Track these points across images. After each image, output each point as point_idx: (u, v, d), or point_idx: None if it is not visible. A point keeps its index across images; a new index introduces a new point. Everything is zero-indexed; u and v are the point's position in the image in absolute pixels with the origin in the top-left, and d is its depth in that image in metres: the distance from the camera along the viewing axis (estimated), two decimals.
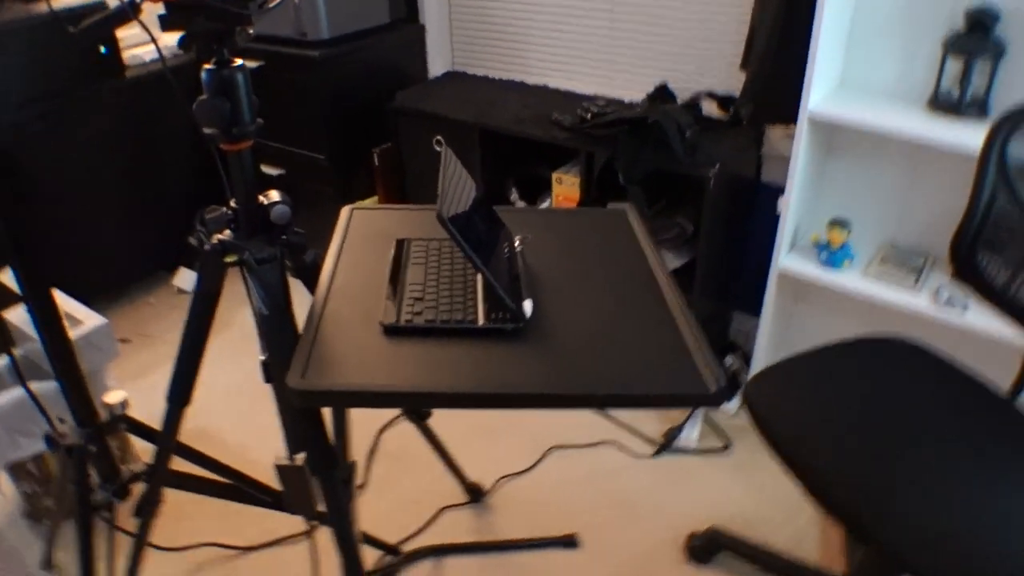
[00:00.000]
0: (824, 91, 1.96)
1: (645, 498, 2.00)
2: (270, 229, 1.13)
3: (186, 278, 2.86)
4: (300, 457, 1.36)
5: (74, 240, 2.55)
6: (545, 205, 2.45)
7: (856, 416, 1.41)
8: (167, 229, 2.83)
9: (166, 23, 0.95)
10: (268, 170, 2.74)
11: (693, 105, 2.22)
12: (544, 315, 1.13)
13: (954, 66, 1.82)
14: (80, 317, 1.90)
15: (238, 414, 2.28)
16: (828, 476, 1.29)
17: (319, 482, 1.19)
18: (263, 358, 1.28)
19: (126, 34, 2.63)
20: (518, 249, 1.29)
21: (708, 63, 2.33)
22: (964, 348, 2.10)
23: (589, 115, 2.20)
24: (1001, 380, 1.57)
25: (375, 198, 2.70)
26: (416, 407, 1.63)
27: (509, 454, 2.14)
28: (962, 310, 1.88)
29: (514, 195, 2.51)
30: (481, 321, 1.09)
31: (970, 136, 1.73)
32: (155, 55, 2.60)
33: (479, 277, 1.20)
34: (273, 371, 1.23)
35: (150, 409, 2.29)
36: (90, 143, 2.49)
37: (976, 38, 1.76)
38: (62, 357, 1.31)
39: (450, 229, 1.01)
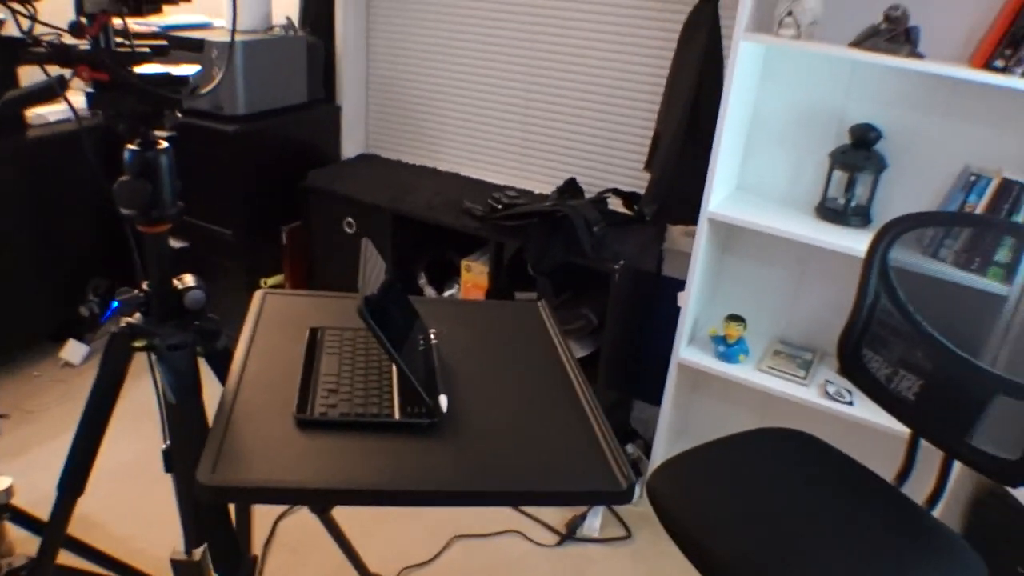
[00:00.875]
0: (723, 194, 2.09)
1: None
2: (183, 314, 1.11)
3: (74, 351, 2.72)
4: (198, 552, 1.30)
5: None
6: (453, 291, 2.48)
7: (754, 506, 1.46)
8: (57, 297, 2.70)
9: (94, 101, 0.94)
10: (172, 242, 2.66)
11: (600, 200, 2.32)
12: (459, 410, 1.13)
13: (840, 177, 1.98)
14: None
15: (126, 501, 2.15)
16: (728, 566, 1.32)
17: None
18: (165, 447, 1.24)
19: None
20: (433, 342, 1.30)
21: (614, 162, 2.45)
22: (852, 438, 2.22)
23: (500, 205, 2.26)
24: (888, 468, 1.66)
25: (281, 276, 2.66)
26: (330, 504, 1.59)
27: (411, 544, 2.09)
28: (848, 403, 1.99)
29: (423, 280, 2.53)
30: (397, 415, 1.08)
31: (854, 241, 1.87)
32: (61, 116, 2.53)
33: (394, 370, 1.20)
34: (176, 462, 1.19)
35: (28, 491, 2.14)
36: None
37: (860, 153, 1.93)
38: None
39: (371, 326, 1.02)
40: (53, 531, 1.26)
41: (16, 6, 0.91)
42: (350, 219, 2.48)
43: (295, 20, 2.67)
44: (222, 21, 2.65)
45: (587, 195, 2.41)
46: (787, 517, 1.44)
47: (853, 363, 1.68)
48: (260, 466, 0.97)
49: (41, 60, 0.92)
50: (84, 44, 0.93)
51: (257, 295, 1.42)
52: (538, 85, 2.49)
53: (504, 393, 1.19)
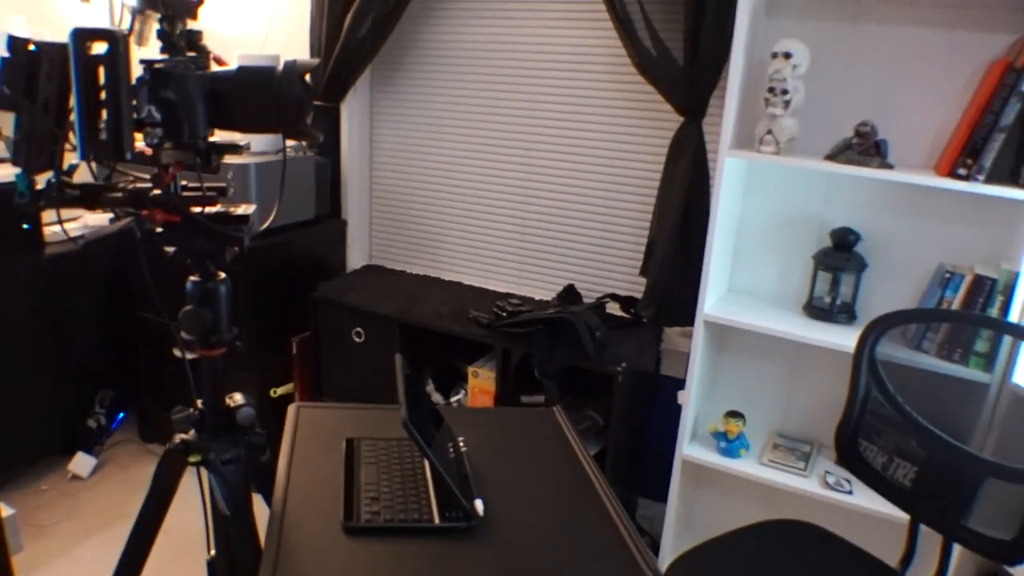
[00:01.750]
0: (716, 296, 2.21)
1: None
2: (234, 430, 1.19)
3: (82, 464, 2.75)
4: None
5: None
6: (459, 396, 2.56)
7: None
8: (66, 411, 2.75)
9: (164, 240, 1.05)
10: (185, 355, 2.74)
11: (599, 305, 2.44)
12: (493, 513, 1.21)
13: (824, 277, 2.12)
14: None
15: None
16: None
17: None
18: (210, 557, 1.29)
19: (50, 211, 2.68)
20: (463, 449, 1.38)
21: (610, 268, 2.59)
22: (853, 525, 2.28)
23: (505, 313, 2.37)
24: (890, 553, 1.73)
25: (291, 385, 2.74)
26: None
27: None
28: (848, 492, 2.07)
29: (430, 386, 2.61)
30: (437, 520, 1.16)
31: (841, 337, 1.99)
32: (78, 232, 2.64)
33: (429, 476, 1.28)
34: (222, 571, 1.24)
35: None
36: None
37: (842, 255, 2.07)
38: None
39: (416, 438, 1.10)
40: None
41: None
42: (359, 329, 2.58)
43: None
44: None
45: (586, 300, 2.53)
46: None
47: (850, 454, 1.77)
48: (315, 570, 1.03)
49: (118, 204, 1.04)
50: (155, 190, 1.05)
51: (291, 409, 1.50)
52: (535, 196, 2.66)
53: (532, 495, 1.27)
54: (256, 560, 1.16)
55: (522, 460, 1.39)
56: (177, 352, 2.73)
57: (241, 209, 1.10)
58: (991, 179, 1.78)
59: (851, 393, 1.73)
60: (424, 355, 2.64)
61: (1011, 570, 1.82)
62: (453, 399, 2.57)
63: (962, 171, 1.81)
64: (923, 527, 1.71)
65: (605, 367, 2.18)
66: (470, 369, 2.47)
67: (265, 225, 1.13)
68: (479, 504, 1.19)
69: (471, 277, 2.85)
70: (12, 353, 2.54)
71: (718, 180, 2.01)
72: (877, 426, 1.87)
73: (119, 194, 1.04)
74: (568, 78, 2.52)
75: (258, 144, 2.63)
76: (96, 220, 2.81)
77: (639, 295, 2.50)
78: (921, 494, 1.66)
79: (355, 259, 2.99)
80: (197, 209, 1.05)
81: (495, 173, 2.71)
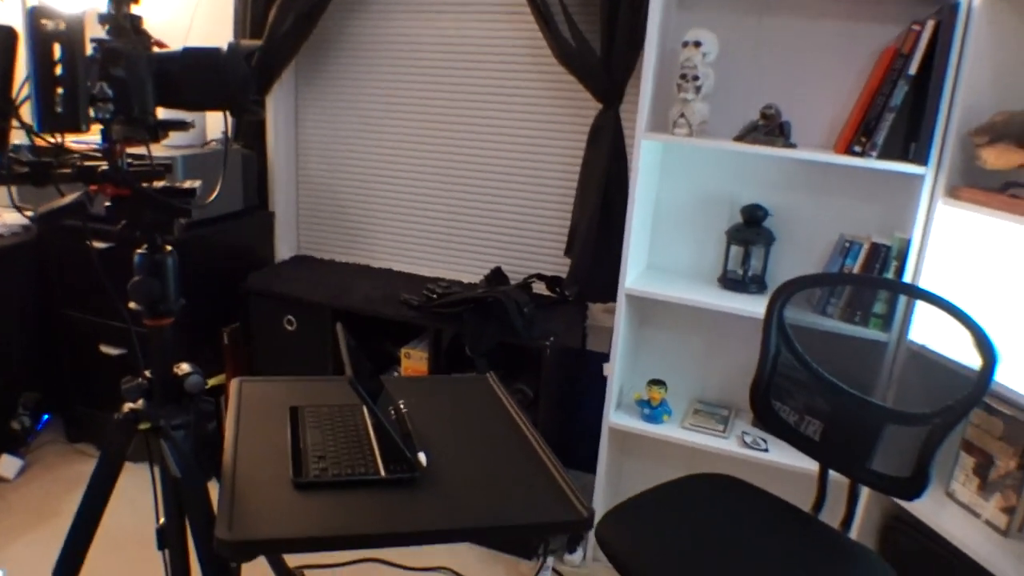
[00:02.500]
0: (636, 272, 2.33)
1: None
2: (182, 397, 1.23)
3: (8, 465, 2.69)
4: None
5: None
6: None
7: (695, 544, 1.64)
8: None
9: (114, 213, 1.09)
10: (108, 350, 2.71)
11: (526, 285, 2.53)
12: (435, 465, 1.29)
13: (737, 251, 2.27)
14: None
15: None
16: None
17: None
18: (159, 525, 1.33)
19: None
20: (404, 410, 1.45)
21: (535, 249, 2.68)
22: (769, 479, 2.44)
23: (435, 295, 2.44)
24: (803, 501, 1.87)
25: (223, 376, 2.74)
26: (335, 549, 1.65)
27: None
28: (764, 450, 2.21)
29: None
30: (383, 473, 1.23)
31: (753, 306, 2.13)
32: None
33: (371, 435, 1.34)
34: (169, 540, 1.28)
35: None
36: None
37: (752, 230, 2.22)
38: None
39: (360, 392, 1.17)
40: None
41: (48, 137, 1.05)
42: (290, 317, 2.61)
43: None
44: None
45: (513, 281, 2.62)
46: (726, 552, 1.62)
47: (765, 411, 1.90)
48: (269, 523, 1.09)
49: (69, 180, 1.07)
50: (103, 165, 1.09)
51: (234, 384, 1.54)
52: (461, 183, 2.73)
53: (471, 449, 1.35)
54: (209, 518, 1.20)
55: (460, 420, 1.47)
56: (105, 349, 2.68)
57: (188, 183, 1.14)
58: (883, 155, 1.94)
59: (762, 353, 1.87)
60: (357, 340, 2.68)
61: (910, 508, 1.99)
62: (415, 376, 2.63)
63: (857, 148, 1.97)
64: (832, 474, 1.86)
65: (534, 342, 2.27)
66: (402, 351, 2.53)
67: (211, 199, 1.17)
68: (422, 456, 1.26)
69: (401, 263, 2.91)
70: None
71: (635, 162, 2.13)
72: (789, 388, 2.03)
73: (68, 170, 1.07)
74: (491, 68, 2.60)
75: (182, 137, 2.63)
76: (13, 219, 2.76)
77: (563, 274, 2.61)
78: (829, 443, 1.81)
79: (284, 250, 3.01)
80: (146, 184, 1.09)
81: (421, 161, 2.78)
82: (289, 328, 2.62)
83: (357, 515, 1.13)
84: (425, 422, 1.45)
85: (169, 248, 1.18)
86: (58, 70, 0.92)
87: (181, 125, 1.11)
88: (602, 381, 2.37)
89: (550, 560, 2.36)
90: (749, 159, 2.28)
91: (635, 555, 1.60)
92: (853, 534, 2.08)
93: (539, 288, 2.62)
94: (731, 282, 2.29)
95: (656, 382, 2.34)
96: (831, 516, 2.13)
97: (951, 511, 1.95)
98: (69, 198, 1.08)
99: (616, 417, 2.35)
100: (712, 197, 2.36)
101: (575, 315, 2.52)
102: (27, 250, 2.71)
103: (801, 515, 1.79)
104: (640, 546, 1.62)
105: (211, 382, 2.70)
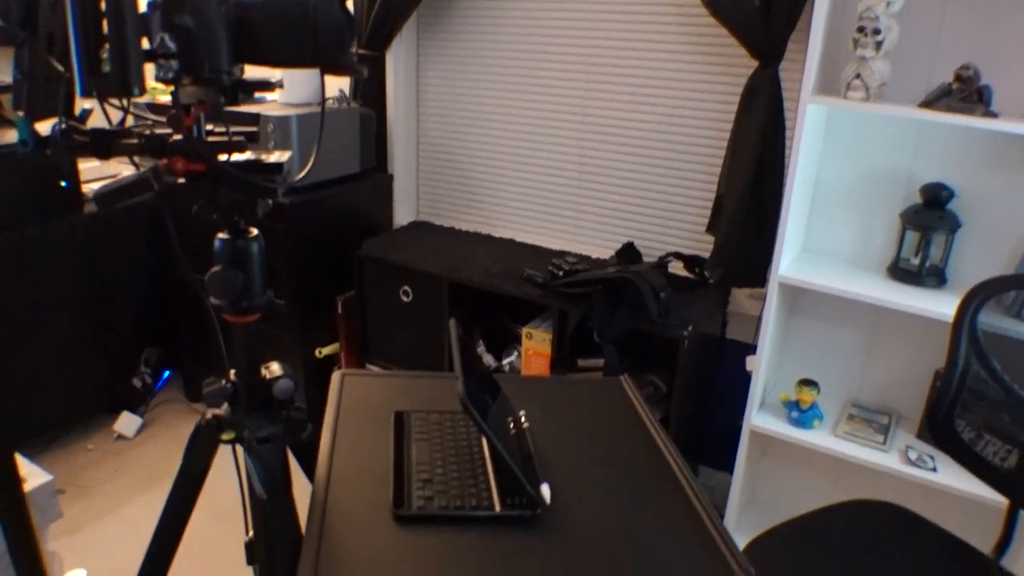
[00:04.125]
0: (790, 256, 2.04)
1: None
2: (271, 404, 1.07)
3: (128, 423, 2.71)
4: None
5: (10, 378, 2.40)
6: (512, 358, 2.44)
7: None
8: (111, 370, 2.70)
9: (187, 192, 0.93)
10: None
11: (662, 265, 2.28)
12: (558, 498, 1.08)
13: (913, 237, 1.93)
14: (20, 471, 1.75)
15: None
16: None
17: None
18: (248, 539, 1.19)
19: (87, 167, 2.60)
20: (524, 425, 1.25)
21: (672, 225, 2.42)
22: (933, 505, 2.12)
23: (561, 272, 2.23)
24: (974, 536, 1.57)
25: (336, 345, 2.64)
26: None
27: None
28: (932, 469, 1.90)
29: (481, 347, 2.49)
30: (498, 507, 1.04)
31: (930, 303, 1.81)
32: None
33: (487, 456, 1.15)
34: (259, 554, 1.14)
35: (89, 571, 2.10)
36: (38, 277, 2.40)
37: (933, 213, 1.88)
38: (17, 527, 1.19)
39: (476, 418, 0.98)
40: None
41: (113, 101, 0.90)
42: (406, 287, 2.46)
43: (347, 92, 2.70)
44: (274, 96, 2.68)
45: (646, 259, 2.37)
46: None
47: (944, 431, 1.60)
48: (362, 570, 0.92)
49: (134, 152, 0.91)
50: (175, 135, 0.92)
51: (335, 377, 1.39)
52: (593, 148, 2.48)
53: (603, 479, 1.14)
54: (296, 548, 1.05)
55: (590, 438, 1.26)
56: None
57: (274, 157, 0.97)
58: None
59: (948, 365, 1.56)
60: (474, 315, 2.51)
61: None
62: (505, 361, 2.45)
63: None
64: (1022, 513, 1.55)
65: (669, 331, 2.02)
66: (524, 330, 2.33)
67: (302, 175, 1.00)
68: (545, 489, 1.07)
69: (523, 234, 2.70)
70: (55, 314, 2.49)
71: (798, 129, 1.82)
72: (973, 402, 1.70)
73: (134, 140, 0.91)
74: (630, 19, 2.32)
75: (300, 94, 2.50)
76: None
77: (704, 254, 2.34)
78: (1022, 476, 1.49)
79: (402, 215, 2.86)
80: (223, 157, 0.92)
81: (549, 123, 2.54)
82: (405, 299, 2.48)
83: (464, 564, 0.94)
84: (550, 439, 1.25)
85: (254, 233, 1.01)
86: (105, 24, 0.75)
87: (266, 85, 0.93)
88: (743, 374, 2.10)
89: None
90: (933, 130, 1.93)
91: None
92: None
93: (676, 268, 2.35)
94: (903, 273, 1.96)
95: (807, 382, 2.05)
96: (1015, 561, 1.81)
97: None
98: (132, 175, 0.92)
99: (759, 418, 2.09)
100: (884, 173, 2.02)
101: (716, 300, 2.25)
102: (147, 208, 2.68)
103: (983, 561, 1.49)
104: None
105: (324, 351, 2.61)
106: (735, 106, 2.14)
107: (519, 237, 2.70)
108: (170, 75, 0.82)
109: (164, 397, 2.97)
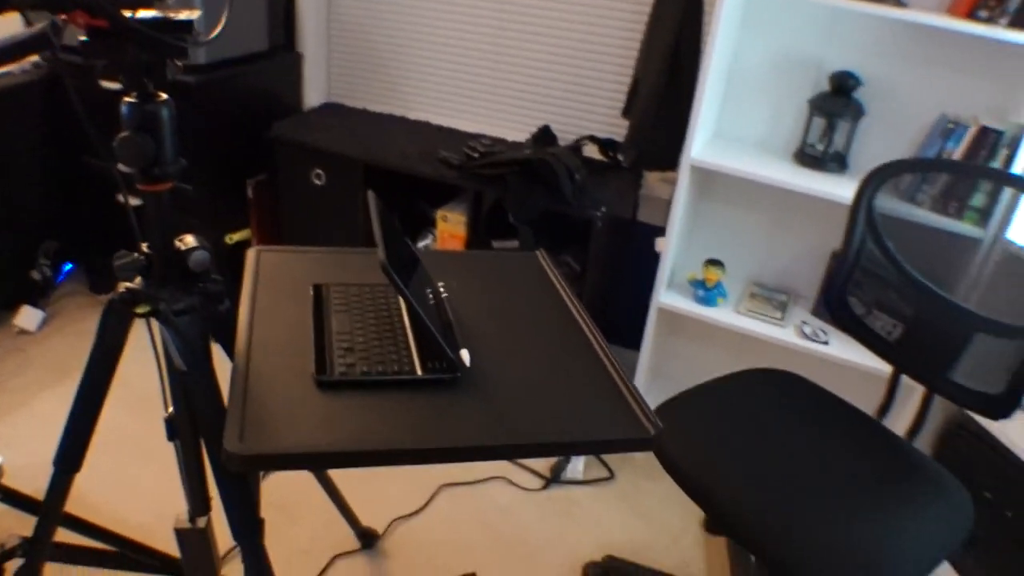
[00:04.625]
0: (702, 141, 2.08)
1: (538, 532, 2.02)
2: (186, 277, 1.06)
3: (29, 317, 2.61)
4: (202, 520, 1.28)
5: None
6: (427, 242, 2.45)
7: (750, 445, 1.49)
8: (8, 262, 2.57)
9: (90, 51, 0.88)
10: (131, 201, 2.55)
11: (576, 148, 2.29)
12: (477, 362, 1.12)
13: (819, 124, 2.00)
14: None
15: (111, 474, 2.08)
16: (728, 501, 1.35)
17: (241, 548, 1.12)
18: (167, 415, 1.20)
19: None
20: (444, 296, 1.27)
21: (588, 108, 2.42)
22: (825, 375, 2.28)
23: (477, 154, 2.22)
24: (861, 402, 1.72)
25: (248, 231, 2.58)
26: (362, 465, 1.57)
27: (399, 495, 2.09)
28: (824, 343, 2.04)
29: None
30: (419, 371, 1.07)
31: (832, 186, 1.90)
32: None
33: (407, 324, 1.18)
34: (181, 429, 1.15)
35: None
36: None
37: (840, 100, 1.94)
38: None
39: (397, 283, 0.99)
40: (50, 509, 1.21)
41: None
42: (319, 171, 2.41)
43: None
44: None
45: (562, 142, 2.38)
46: (782, 454, 1.48)
47: (838, 306, 1.71)
48: (287, 432, 0.94)
49: (29, 6, 0.85)
50: None
51: (251, 253, 1.37)
52: (510, 29, 2.43)
53: (520, 344, 1.18)
54: (220, 418, 1.06)
55: (507, 307, 1.30)
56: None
57: (183, 14, 0.92)
58: (1014, 24, 1.64)
59: (846, 244, 1.66)
60: (389, 199, 2.48)
61: (981, 420, 1.83)
62: (420, 244, 2.46)
63: (983, 13, 1.66)
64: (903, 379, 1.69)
65: (583, 212, 2.06)
66: (439, 213, 2.34)
67: (213, 35, 0.95)
68: (465, 354, 1.10)
69: (439, 116, 2.66)
70: None
71: (716, 13, 1.83)
72: (866, 280, 1.82)
73: None
74: None
75: None
76: None
77: (619, 137, 2.36)
78: (908, 346, 1.62)
79: (313, 96, 2.76)
80: (128, 13, 0.87)
81: (466, 2, 2.46)
82: (318, 183, 2.43)
83: (388, 424, 0.98)
84: (467, 310, 1.27)
85: (163, 97, 0.97)
86: None
87: None
88: (652, 256, 2.18)
89: None
90: (844, 18, 1.97)
91: (686, 457, 1.46)
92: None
93: (590, 151, 2.37)
94: (809, 158, 2.04)
95: (713, 262, 2.14)
96: (894, 422, 1.98)
97: (1020, 424, 1.78)
98: (30, 30, 0.86)
99: (667, 297, 2.18)
100: (797, 61, 2.06)
101: (628, 183, 2.29)
102: (38, 89, 2.49)
103: (867, 420, 1.64)
104: (693, 448, 1.49)
105: (235, 237, 2.55)
106: None
107: (434, 120, 2.66)
108: None
109: (67, 290, 2.86)
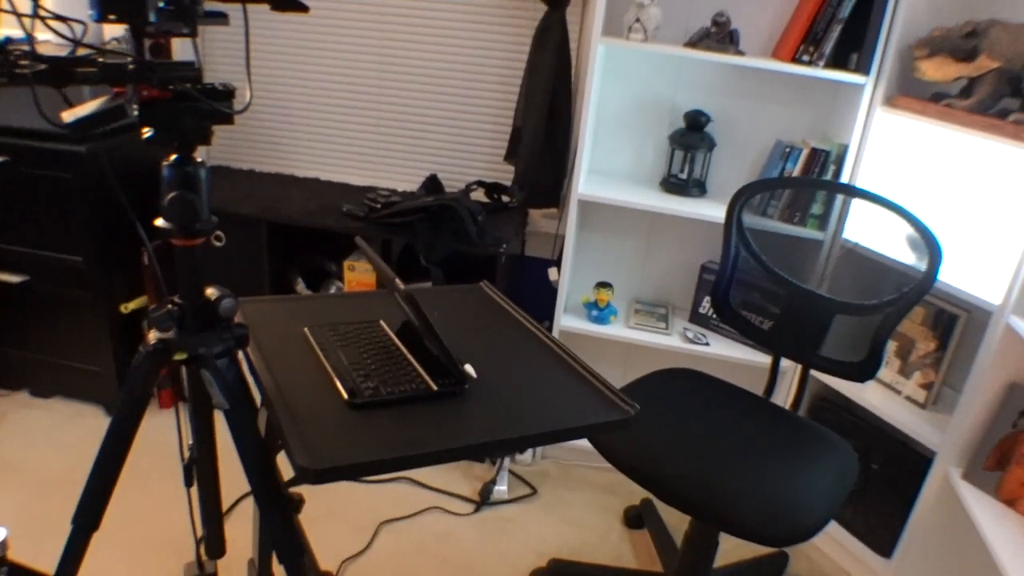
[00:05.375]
0: (581, 178, 2.36)
1: (480, 551, 2.16)
2: (215, 323, 1.15)
3: None
4: (212, 564, 1.34)
5: None
6: (333, 291, 2.55)
7: (673, 428, 1.74)
8: None
9: (146, 120, 0.98)
10: (6, 277, 2.45)
11: (466, 192, 2.50)
12: (478, 376, 1.29)
13: (679, 155, 2.33)
14: None
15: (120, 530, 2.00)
16: (666, 476, 1.58)
17: (287, 569, 1.20)
18: (187, 462, 1.26)
19: None
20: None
21: (471, 156, 2.64)
22: (708, 370, 2.59)
23: (379, 205, 2.37)
24: (747, 387, 2.02)
25: (143, 298, 2.56)
26: (411, 467, 1.61)
27: (343, 536, 2.16)
28: (706, 344, 2.35)
29: (300, 285, 2.56)
30: (433, 387, 1.22)
31: (696, 208, 2.22)
32: None
33: (402, 348, 1.32)
34: (201, 472, 1.22)
35: None
36: None
37: (695, 135, 2.28)
38: None
39: (418, 308, 1.14)
40: (66, 569, 1.23)
41: (58, 26, 0.92)
42: (218, 232, 2.44)
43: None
44: None
45: (448, 188, 2.58)
46: (701, 434, 1.74)
47: (723, 308, 2.02)
48: (343, 447, 1.06)
49: (93, 80, 0.95)
50: (132, 64, 0.96)
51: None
52: (393, 86, 2.62)
53: (499, 356, 1.36)
54: (263, 451, 1.16)
55: (476, 330, 1.47)
56: (3, 277, 2.41)
57: (221, 85, 1.03)
58: (828, 64, 2.04)
59: (724, 254, 1.97)
60: (290, 255, 2.57)
61: (839, 389, 2.19)
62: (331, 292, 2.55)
63: (805, 57, 2.05)
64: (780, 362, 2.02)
65: (488, 249, 2.27)
66: (346, 263, 2.45)
67: (245, 105, 1.07)
68: (469, 368, 1.26)
69: (327, 172, 2.78)
70: None
71: (589, 66, 2.12)
72: (741, 281, 2.15)
73: (92, 69, 0.94)
74: None
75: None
76: None
77: (501, 181, 2.60)
78: (782, 334, 1.95)
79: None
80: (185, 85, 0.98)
81: (347, 62, 2.63)
82: (218, 244, 2.46)
83: (422, 432, 1.12)
84: (448, 333, 1.43)
85: (200, 159, 1.08)
86: None
87: (219, 17, 0.99)
88: (542, 285, 2.41)
89: (506, 461, 2.44)
90: (691, 64, 2.33)
91: (625, 449, 1.68)
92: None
93: (476, 195, 2.59)
94: (673, 185, 2.36)
95: (603, 284, 2.41)
96: (778, 398, 2.31)
97: (874, 389, 2.16)
98: (98, 102, 0.96)
99: (566, 320, 2.42)
100: (653, 102, 2.40)
101: (516, 222, 2.53)
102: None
103: (759, 400, 1.94)
104: (629, 440, 1.71)
105: (131, 306, 2.52)
106: (524, 46, 2.40)
107: (323, 176, 2.78)
108: (159, 4, 0.87)
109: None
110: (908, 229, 1.74)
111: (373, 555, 2.11)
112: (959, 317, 1.99)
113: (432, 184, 2.59)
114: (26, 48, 0.90)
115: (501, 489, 2.38)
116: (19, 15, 0.87)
